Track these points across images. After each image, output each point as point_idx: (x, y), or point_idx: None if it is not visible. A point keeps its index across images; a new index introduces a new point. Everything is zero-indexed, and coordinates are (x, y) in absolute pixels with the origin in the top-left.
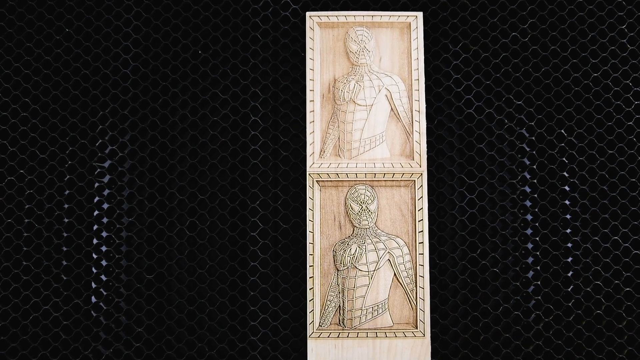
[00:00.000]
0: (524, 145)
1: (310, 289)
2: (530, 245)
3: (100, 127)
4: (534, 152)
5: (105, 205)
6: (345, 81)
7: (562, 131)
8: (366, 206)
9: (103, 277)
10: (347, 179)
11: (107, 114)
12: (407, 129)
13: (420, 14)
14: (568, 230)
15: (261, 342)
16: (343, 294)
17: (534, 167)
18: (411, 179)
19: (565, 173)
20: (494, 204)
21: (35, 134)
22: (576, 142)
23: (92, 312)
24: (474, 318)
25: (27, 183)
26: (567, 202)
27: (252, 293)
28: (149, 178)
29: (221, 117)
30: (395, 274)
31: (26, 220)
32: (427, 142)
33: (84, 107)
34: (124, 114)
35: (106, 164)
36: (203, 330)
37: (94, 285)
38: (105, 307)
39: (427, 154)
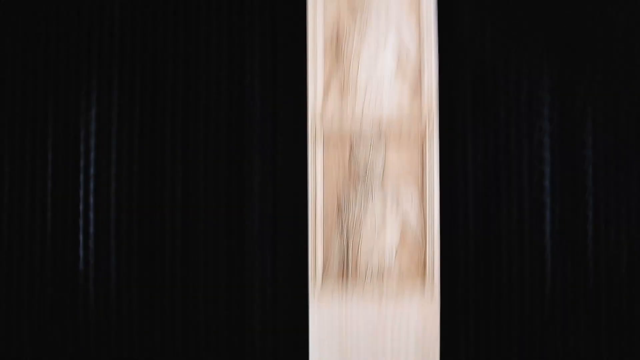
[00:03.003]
0: (544, 93)
1: (312, 239)
2: (547, 200)
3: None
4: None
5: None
6: (351, 20)
7: (583, 81)
8: (374, 155)
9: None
10: (352, 124)
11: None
12: (417, 72)
13: None
14: (588, 184)
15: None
16: (348, 245)
17: (553, 117)
18: (421, 125)
19: (586, 125)
20: (510, 153)
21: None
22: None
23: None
24: (487, 268)
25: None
26: (586, 152)
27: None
28: (138, 120)
29: (216, 66)
30: (402, 222)
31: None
32: (439, 81)
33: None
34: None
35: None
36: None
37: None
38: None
39: (439, 94)
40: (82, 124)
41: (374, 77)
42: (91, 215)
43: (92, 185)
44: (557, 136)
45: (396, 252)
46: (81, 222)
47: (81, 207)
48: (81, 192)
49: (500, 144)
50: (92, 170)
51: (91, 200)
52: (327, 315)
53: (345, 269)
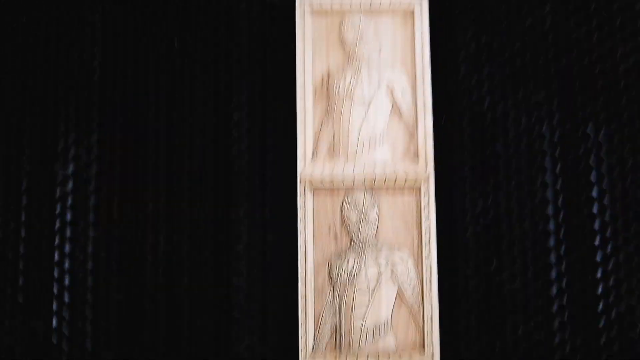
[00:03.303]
0: (545, 144)
1: (302, 310)
2: (552, 259)
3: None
4: (555, 154)
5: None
6: (340, 75)
7: (588, 131)
8: (365, 215)
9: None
10: (344, 184)
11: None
12: (411, 128)
13: None
14: (596, 242)
15: None
16: (340, 314)
17: (557, 170)
18: (416, 184)
19: (592, 178)
20: (511, 211)
21: None
22: (602, 142)
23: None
24: (491, 341)
25: None
26: (594, 210)
27: (237, 316)
28: (119, 172)
29: (201, 115)
30: (399, 291)
31: None
32: (434, 142)
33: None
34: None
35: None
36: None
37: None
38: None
39: (434, 155)
40: (58, 183)
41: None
42: (67, 280)
43: (67, 248)
44: (563, 190)
45: (392, 322)
46: (55, 289)
47: (56, 273)
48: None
49: (501, 199)
50: (67, 234)
51: (66, 265)
52: None
53: (338, 340)
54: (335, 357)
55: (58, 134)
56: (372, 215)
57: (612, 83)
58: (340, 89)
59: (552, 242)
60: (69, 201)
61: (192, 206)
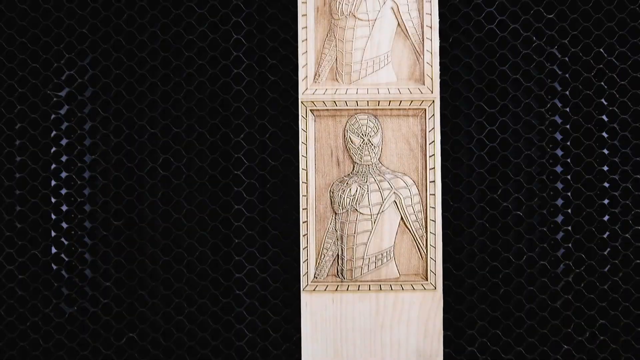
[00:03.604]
0: (555, 67)
1: (304, 236)
2: (560, 185)
3: (55, 48)
4: (567, 76)
5: (64, 141)
6: None
7: (602, 50)
8: (368, 139)
9: (64, 224)
10: (347, 107)
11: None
12: (417, 48)
13: None
14: (605, 168)
15: (248, 297)
16: (342, 241)
17: (566, 93)
18: (421, 107)
19: (603, 100)
20: (519, 137)
21: None
22: (617, 63)
23: (52, 264)
24: (493, 269)
25: None
26: (604, 134)
27: (236, 241)
28: (114, 108)
29: (198, 36)
30: (402, 218)
31: None
32: (441, 63)
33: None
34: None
35: (63, 93)
36: (181, 284)
37: (53, 233)
38: (67, 259)
39: (440, 77)
40: (50, 106)
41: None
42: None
43: None
44: (573, 112)
45: (395, 249)
46: None
47: (52, 199)
48: None
49: (508, 122)
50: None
51: (63, 191)
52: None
53: (340, 267)
54: (337, 284)
55: (51, 56)
56: (376, 139)
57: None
58: (343, 6)
59: (559, 167)
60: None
61: (189, 130)
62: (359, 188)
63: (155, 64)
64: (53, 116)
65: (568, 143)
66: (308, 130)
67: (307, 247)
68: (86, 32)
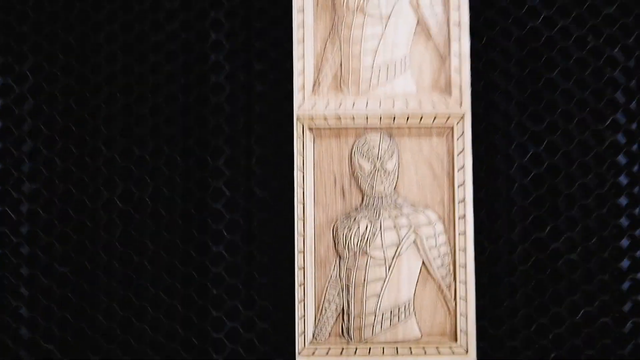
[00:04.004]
0: (616, 73)
1: (300, 285)
2: (625, 222)
3: None
4: (631, 84)
5: None
6: None
7: None
8: (381, 164)
9: None
10: (354, 124)
11: None
12: (442, 51)
13: None
14: None
15: None
16: (348, 292)
17: (631, 106)
18: (448, 123)
19: None
20: (571, 161)
21: None
22: None
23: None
24: (541, 328)
25: None
26: None
27: (214, 292)
28: (60, 125)
29: (167, 35)
30: (424, 263)
31: None
32: (472, 69)
33: None
34: None
35: None
36: (143, 346)
37: None
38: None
39: (472, 87)
40: None
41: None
42: None
43: None
44: None
45: (415, 303)
46: None
47: None
48: None
49: (558, 143)
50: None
51: None
52: None
53: (346, 325)
54: (342, 347)
55: None
56: (391, 164)
57: None
58: (349, 0)
59: (624, 200)
60: None
61: (156, 152)
62: (369, 225)
63: (113, 69)
64: None
65: (635, 169)
66: (306, 152)
67: (304, 299)
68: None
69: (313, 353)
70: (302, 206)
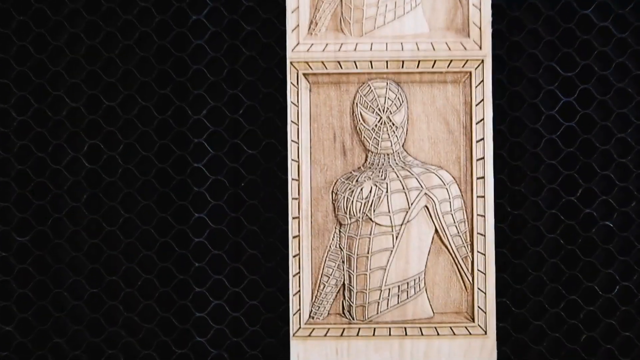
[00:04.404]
0: None
1: (294, 257)
2: None
3: None
4: None
5: None
6: None
7: None
8: (388, 116)
9: None
10: (356, 70)
11: None
12: None
13: None
14: None
15: (214, 347)
16: (350, 265)
17: None
18: (465, 68)
19: None
20: (608, 113)
21: None
22: None
23: None
24: (571, 305)
25: None
26: None
27: (196, 264)
28: (16, 71)
29: None
30: (437, 231)
31: None
32: (493, 6)
33: None
34: None
35: None
36: (116, 328)
37: None
38: None
39: (493, 26)
40: None
41: None
42: None
43: None
44: None
45: (426, 276)
46: None
47: None
48: None
49: (595, 89)
50: None
51: None
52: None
53: (347, 303)
54: (344, 328)
55: None
56: (399, 116)
57: None
58: None
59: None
60: None
61: (128, 103)
62: (374, 188)
63: (77, 6)
64: None
65: None
66: (301, 103)
67: (299, 273)
68: None
69: (310, 334)
70: (296, 165)
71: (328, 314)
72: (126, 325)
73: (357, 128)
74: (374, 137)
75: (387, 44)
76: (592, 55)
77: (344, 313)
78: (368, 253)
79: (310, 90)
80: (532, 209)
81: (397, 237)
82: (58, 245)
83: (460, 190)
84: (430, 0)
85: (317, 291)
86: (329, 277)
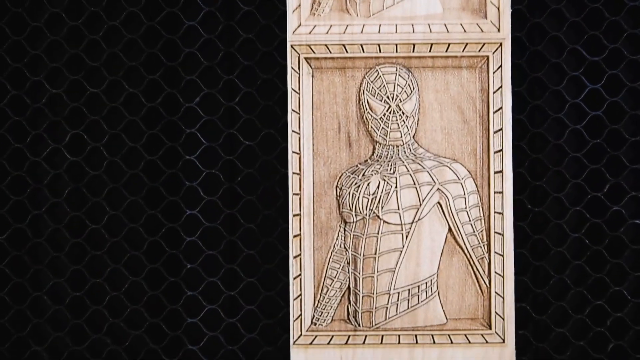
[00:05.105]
0: None
1: (295, 257)
2: None
3: None
4: None
5: None
6: None
7: None
8: (398, 104)
9: None
10: (363, 54)
11: None
12: None
13: None
14: None
15: (207, 355)
16: (356, 267)
17: None
18: (482, 52)
19: None
20: (637, 101)
21: None
22: None
23: None
24: (596, 310)
25: None
26: None
27: (188, 266)
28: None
29: None
30: (450, 230)
31: None
32: None
33: None
34: None
35: None
36: (101, 335)
37: None
38: None
39: (512, 7)
40: None
41: None
42: None
43: None
44: None
45: (439, 280)
46: None
47: None
48: None
49: (624, 74)
50: None
51: None
52: None
53: (353, 308)
54: (349, 335)
55: None
56: (409, 105)
57: None
58: None
59: None
60: None
61: (114, 91)
62: (382, 183)
63: None
64: None
65: None
66: (302, 90)
67: (300, 275)
68: None
69: (311, 342)
70: (297, 158)
71: (332, 320)
72: (112, 332)
73: (364, 117)
74: (382, 127)
75: (396, 25)
76: (621, 38)
77: (349, 319)
78: (375, 254)
79: (312, 76)
80: (554, 206)
81: (407, 237)
82: (37, 245)
83: (476, 185)
84: None
85: (320, 295)
86: (333, 280)
